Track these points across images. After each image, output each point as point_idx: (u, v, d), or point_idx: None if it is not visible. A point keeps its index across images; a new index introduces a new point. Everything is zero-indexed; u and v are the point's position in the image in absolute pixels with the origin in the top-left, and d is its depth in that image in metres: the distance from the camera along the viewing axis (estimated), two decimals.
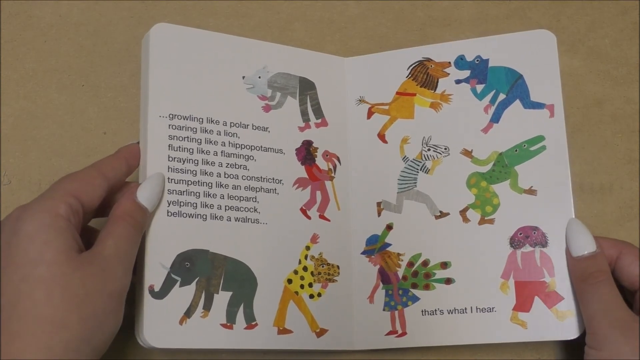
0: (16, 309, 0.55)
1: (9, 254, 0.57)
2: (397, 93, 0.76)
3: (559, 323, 0.69)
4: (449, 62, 0.75)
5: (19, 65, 0.79)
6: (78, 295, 0.57)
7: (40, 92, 0.78)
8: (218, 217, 0.68)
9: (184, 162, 0.68)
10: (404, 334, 0.71)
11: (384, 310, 0.72)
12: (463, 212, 0.72)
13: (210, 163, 0.69)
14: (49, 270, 0.56)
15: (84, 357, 0.57)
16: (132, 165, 0.67)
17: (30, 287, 0.56)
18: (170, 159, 0.67)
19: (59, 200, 0.60)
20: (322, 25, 0.83)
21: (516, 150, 0.72)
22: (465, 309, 0.70)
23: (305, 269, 0.71)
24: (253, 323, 0.68)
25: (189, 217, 0.67)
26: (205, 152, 0.69)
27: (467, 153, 0.73)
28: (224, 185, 0.69)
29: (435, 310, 0.71)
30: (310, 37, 0.82)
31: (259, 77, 0.73)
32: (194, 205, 0.67)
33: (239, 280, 0.68)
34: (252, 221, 0.69)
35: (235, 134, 0.70)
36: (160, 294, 0.65)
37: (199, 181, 0.68)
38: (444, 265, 0.72)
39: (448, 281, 0.71)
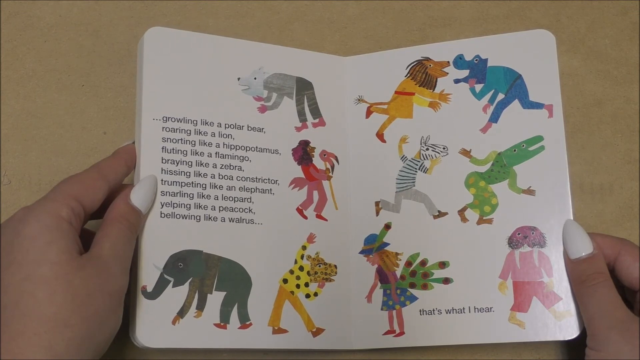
0: (18, 307, 0.55)
1: (11, 254, 0.58)
2: (396, 92, 0.76)
3: (557, 323, 0.69)
4: (448, 62, 0.75)
5: (19, 65, 0.79)
6: (80, 295, 0.57)
7: (40, 92, 0.79)
8: (212, 218, 0.68)
9: (177, 164, 0.68)
10: (401, 333, 0.71)
11: (381, 309, 0.72)
12: (461, 212, 0.72)
13: (204, 164, 0.69)
14: (52, 270, 0.57)
15: (85, 356, 0.57)
16: (131, 166, 0.67)
17: (32, 287, 0.56)
18: (164, 161, 0.68)
19: (61, 202, 0.60)
20: (322, 25, 0.83)
21: (515, 150, 0.72)
22: (463, 308, 0.70)
23: (301, 268, 0.71)
24: (247, 323, 0.68)
25: (183, 218, 0.67)
26: (199, 153, 0.69)
27: (466, 153, 0.73)
28: (218, 186, 0.69)
29: (434, 310, 0.71)
30: (310, 37, 0.82)
31: (255, 78, 0.73)
32: (188, 206, 0.68)
33: (233, 281, 0.68)
34: (247, 222, 0.70)
35: (229, 135, 0.71)
36: (152, 295, 0.65)
37: (192, 182, 0.68)
38: (442, 264, 0.72)
39: (446, 281, 0.71)
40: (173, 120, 0.69)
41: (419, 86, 0.75)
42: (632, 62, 0.81)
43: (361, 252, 0.74)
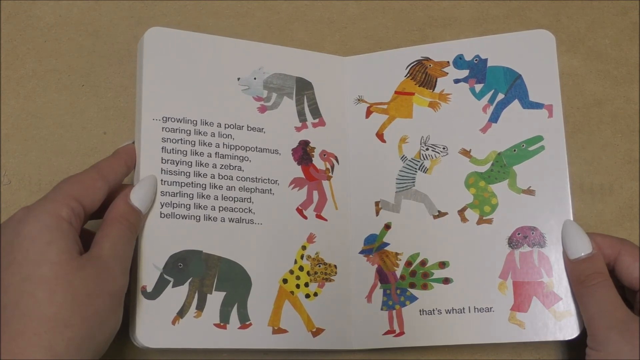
0: (18, 308, 0.55)
1: (11, 254, 0.58)
2: (396, 92, 0.76)
3: (557, 323, 0.69)
4: (448, 62, 0.75)
5: (19, 65, 0.79)
6: (80, 295, 0.57)
7: (40, 92, 0.79)
8: (212, 218, 0.68)
9: (177, 164, 0.68)
10: (401, 333, 0.71)
11: (381, 309, 0.72)
12: (461, 212, 0.72)
13: (204, 164, 0.69)
14: (52, 270, 0.57)
15: (85, 356, 0.57)
16: (131, 166, 0.68)
17: (32, 287, 0.56)
18: (164, 161, 0.68)
19: (61, 203, 0.61)
20: (322, 25, 0.83)
21: (515, 150, 0.72)
22: (463, 308, 0.70)
23: (301, 268, 0.71)
24: (247, 323, 0.68)
25: (183, 218, 0.68)
26: (199, 153, 0.69)
27: (466, 153, 0.73)
28: (218, 187, 0.69)
29: (433, 310, 0.71)
30: (310, 37, 0.82)
31: (255, 79, 0.73)
32: (187, 206, 0.68)
33: (232, 281, 0.68)
34: (247, 222, 0.70)
35: (229, 136, 0.71)
36: (152, 295, 0.65)
37: (192, 182, 0.68)
38: (442, 264, 0.72)
39: (446, 281, 0.71)
40: (173, 120, 0.69)
41: (419, 86, 0.75)
42: (632, 62, 0.81)
43: (361, 252, 0.74)
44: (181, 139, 0.69)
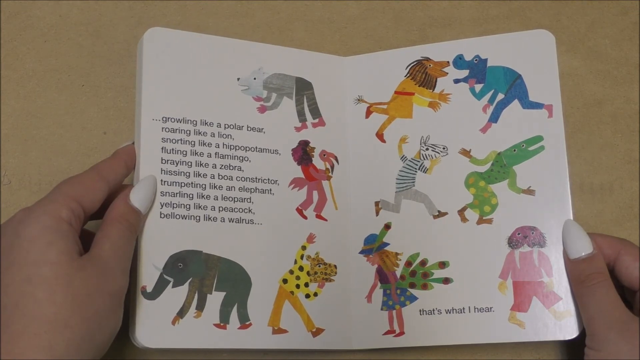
0: (19, 308, 0.55)
1: (11, 255, 0.58)
2: (396, 92, 0.76)
3: (557, 323, 0.69)
4: (448, 62, 0.75)
5: (19, 65, 0.79)
6: (80, 295, 0.57)
7: (40, 92, 0.79)
8: (212, 218, 0.68)
9: (177, 164, 0.68)
10: (401, 333, 0.71)
11: (381, 309, 0.72)
12: (461, 212, 0.72)
13: (204, 165, 0.69)
14: (52, 270, 0.57)
15: (85, 357, 0.57)
16: (130, 167, 0.68)
17: (33, 287, 0.56)
18: (164, 161, 0.68)
19: (61, 204, 0.61)
20: (322, 25, 0.83)
21: (515, 150, 0.72)
22: (463, 308, 0.70)
23: (301, 268, 0.71)
24: (247, 323, 0.68)
25: (182, 218, 0.68)
26: (198, 154, 0.69)
27: (466, 153, 0.73)
28: (217, 187, 0.69)
29: (434, 310, 0.71)
30: (310, 37, 0.82)
31: (254, 79, 0.73)
32: (187, 206, 0.68)
33: (232, 281, 0.68)
34: (247, 222, 0.70)
35: (229, 136, 0.71)
36: (152, 295, 0.65)
37: (192, 183, 0.68)
38: (442, 264, 0.72)
39: (446, 281, 0.71)
40: (173, 120, 0.69)
41: (419, 86, 0.75)
42: (632, 62, 0.81)
43: (361, 252, 0.74)
44: (181, 139, 0.69)
